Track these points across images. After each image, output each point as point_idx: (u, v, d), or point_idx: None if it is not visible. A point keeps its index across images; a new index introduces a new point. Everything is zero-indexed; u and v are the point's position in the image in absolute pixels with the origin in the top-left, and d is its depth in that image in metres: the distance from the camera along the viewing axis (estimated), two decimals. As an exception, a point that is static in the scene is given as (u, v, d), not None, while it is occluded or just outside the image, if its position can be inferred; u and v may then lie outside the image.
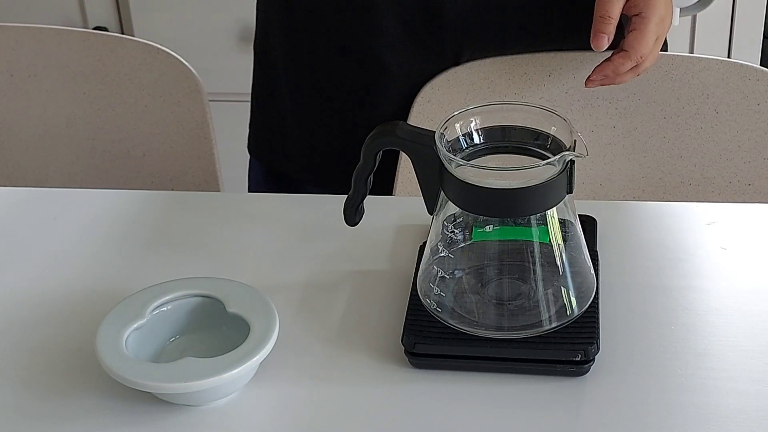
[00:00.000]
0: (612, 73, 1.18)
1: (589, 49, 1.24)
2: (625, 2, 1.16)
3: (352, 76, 1.27)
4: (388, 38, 1.23)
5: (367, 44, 1.24)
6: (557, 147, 0.89)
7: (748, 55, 2.23)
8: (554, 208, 0.90)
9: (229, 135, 1.61)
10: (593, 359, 0.90)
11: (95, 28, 2.27)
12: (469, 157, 0.91)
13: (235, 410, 0.89)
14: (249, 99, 1.39)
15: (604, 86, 1.21)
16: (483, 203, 0.89)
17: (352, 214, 0.98)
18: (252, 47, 1.36)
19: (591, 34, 1.16)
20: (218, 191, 1.43)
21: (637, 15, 1.16)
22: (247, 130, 1.40)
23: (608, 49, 1.16)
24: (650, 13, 1.15)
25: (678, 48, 1.24)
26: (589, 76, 1.20)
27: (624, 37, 1.18)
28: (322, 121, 1.31)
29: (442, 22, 1.22)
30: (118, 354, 0.88)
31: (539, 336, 0.91)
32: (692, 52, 2.21)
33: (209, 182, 1.43)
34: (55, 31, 1.46)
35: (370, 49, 1.24)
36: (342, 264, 1.05)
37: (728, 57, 2.21)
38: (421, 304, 0.94)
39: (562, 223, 0.91)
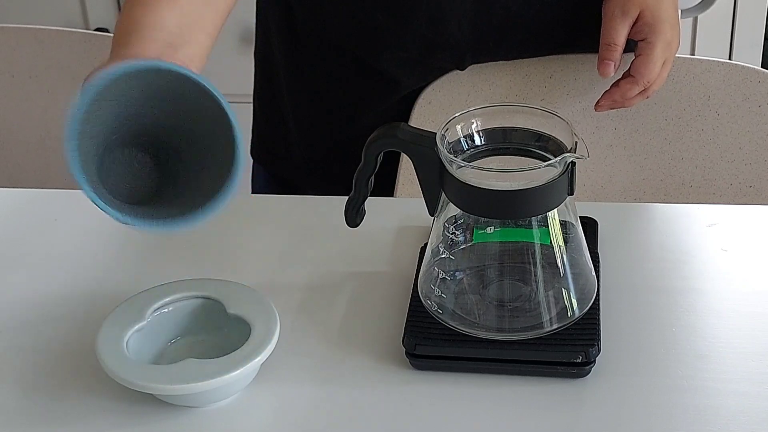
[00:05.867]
0: (620, 98, 1.19)
1: (590, 51, 1.24)
2: (631, 28, 1.16)
3: (354, 84, 1.27)
4: (391, 54, 1.23)
5: (370, 59, 1.24)
6: (558, 149, 0.89)
7: (750, 57, 2.23)
8: (555, 210, 0.90)
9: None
10: (594, 361, 0.90)
11: (96, 30, 2.27)
12: (470, 159, 0.91)
13: (236, 412, 0.89)
14: (249, 100, 1.39)
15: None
16: (484, 205, 0.89)
17: (353, 216, 0.98)
18: (252, 48, 1.36)
19: (597, 62, 1.17)
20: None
21: (643, 40, 1.16)
22: (248, 132, 1.40)
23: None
24: (655, 39, 1.16)
25: (679, 50, 1.23)
26: (598, 101, 1.21)
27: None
28: (323, 127, 1.31)
29: (446, 42, 1.21)
30: (119, 355, 0.88)
31: (540, 337, 0.91)
32: (693, 54, 2.21)
33: (210, 184, 1.43)
34: (56, 32, 1.46)
35: (372, 63, 1.24)
36: (343, 265, 1.05)
37: (729, 59, 2.21)
38: (422, 306, 0.94)
39: (563, 224, 0.91)
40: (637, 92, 1.18)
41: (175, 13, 0.94)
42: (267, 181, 1.39)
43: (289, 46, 1.28)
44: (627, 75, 1.19)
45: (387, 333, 0.96)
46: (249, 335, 0.89)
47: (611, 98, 1.20)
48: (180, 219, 0.85)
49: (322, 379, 0.92)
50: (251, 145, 1.40)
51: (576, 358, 0.89)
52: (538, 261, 0.92)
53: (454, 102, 1.26)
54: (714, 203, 1.30)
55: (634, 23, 1.17)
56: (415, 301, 0.95)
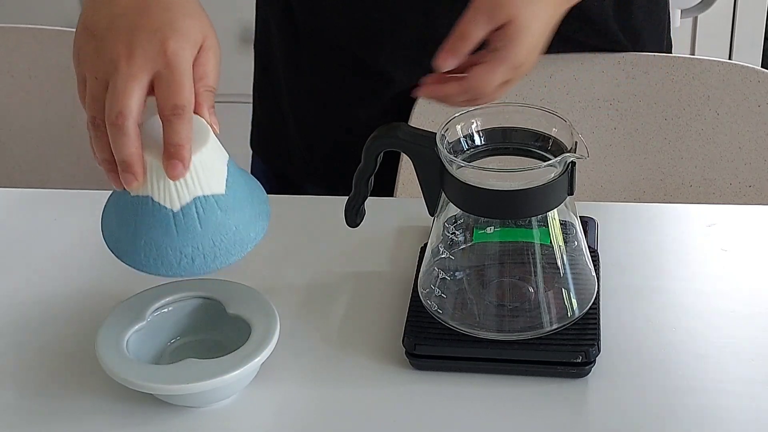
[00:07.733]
0: (443, 96, 0.98)
1: (590, 51, 1.24)
2: (493, 30, 0.96)
3: (353, 84, 1.27)
4: (389, 53, 1.23)
5: (369, 58, 1.24)
6: (558, 148, 0.89)
7: (749, 56, 2.24)
8: (555, 210, 0.90)
9: (229, 137, 1.61)
10: (594, 361, 0.90)
11: (96, 29, 2.26)
12: (470, 159, 0.91)
13: (236, 412, 0.89)
14: (249, 100, 1.39)
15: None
16: (484, 205, 0.89)
17: (353, 216, 0.98)
18: (252, 48, 1.37)
19: (438, 48, 0.96)
20: (219, 193, 1.42)
21: (494, 50, 0.97)
22: (247, 131, 1.40)
23: None
24: (508, 55, 0.96)
25: (679, 49, 1.24)
26: (416, 86, 0.99)
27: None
28: (322, 127, 1.31)
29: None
30: (118, 356, 0.88)
31: (540, 337, 0.91)
32: (693, 54, 2.21)
33: (210, 183, 1.43)
34: (56, 32, 1.46)
35: (371, 62, 1.24)
36: (343, 265, 1.05)
37: (729, 59, 2.21)
38: (422, 306, 0.94)
39: (563, 224, 0.91)
40: (460, 99, 0.98)
41: None
42: (266, 176, 1.39)
43: (289, 45, 1.28)
44: (462, 79, 0.97)
45: (387, 333, 0.96)
46: (249, 335, 0.89)
47: (432, 91, 0.98)
48: None
49: (321, 379, 0.92)
50: (250, 137, 1.39)
51: (576, 358, 0.89)
52: (538, 261, 0.92)
53: (454, 102, 1.26)
54: (714, 203, 1.30)
55: (497, 29, 0.97)
56: (415, 301, 0.95)
